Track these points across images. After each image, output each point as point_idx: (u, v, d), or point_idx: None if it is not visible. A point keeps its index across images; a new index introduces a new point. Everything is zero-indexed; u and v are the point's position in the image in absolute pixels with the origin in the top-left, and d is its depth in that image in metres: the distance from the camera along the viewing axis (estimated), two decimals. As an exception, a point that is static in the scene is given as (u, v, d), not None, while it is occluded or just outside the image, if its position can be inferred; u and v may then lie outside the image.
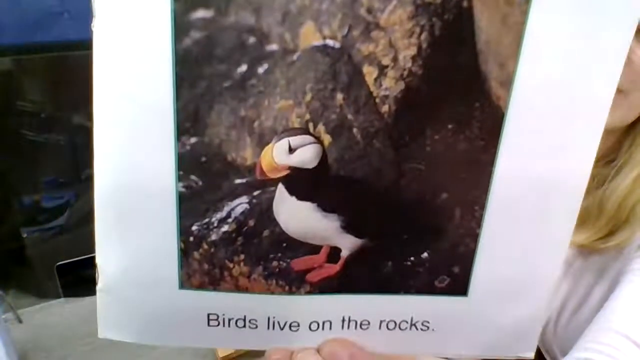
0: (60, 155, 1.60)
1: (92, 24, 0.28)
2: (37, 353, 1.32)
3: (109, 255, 0.31)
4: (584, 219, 0.53)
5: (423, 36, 0.27)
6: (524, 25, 0.27)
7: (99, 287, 0.32)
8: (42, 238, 1.58)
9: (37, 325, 1.43)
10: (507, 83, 0.28)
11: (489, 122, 0.29)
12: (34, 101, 1.58)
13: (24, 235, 1.56)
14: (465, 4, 0.26)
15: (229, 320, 0.33)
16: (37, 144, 1.56)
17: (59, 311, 1.50)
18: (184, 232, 0.30)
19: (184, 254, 0.31)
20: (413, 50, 0.27)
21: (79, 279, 1.57)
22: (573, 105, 0.29)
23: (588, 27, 0.27)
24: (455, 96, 0.28)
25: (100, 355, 1.26)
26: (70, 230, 1.60)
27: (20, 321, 1.41)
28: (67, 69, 1.55)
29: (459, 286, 0.32)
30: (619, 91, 0.49)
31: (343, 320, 0.33)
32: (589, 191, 0.56)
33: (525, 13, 0.26)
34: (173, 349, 1.14)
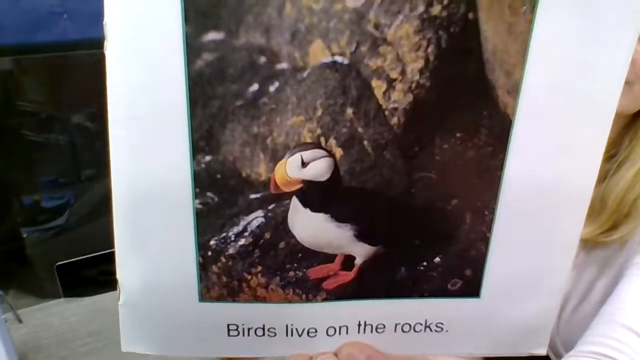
0: (60, 155, 1.61)
1: (104, 48, 0.28)
2: (37, 353, 1.32)
3: (130, 271, 0.32)
4: (587, 213, 0.54)
5: (430, 49, 0.28)
6: (529, 34, 0.27)
7: (120, 302, 0.33)
8: (42, 238, 1.58)
9: (37, 325, 1.43)
10: (514, 91, 0.28)
11: (496, 129, 0.29)
12: (34, 101, 1.58)
13: (24, 235, 1.56)
14: (470, 15, 0.27)
15: (249, 329, 0.34)
16: (37, 144, 1.56)
17: (59, 311, 1.50)
18: (202, 246, 0.31)
19: (203, 267, 0.32)
20: (420, 63, 0.28)
21: (79, 279, 1.57)
22: (579, 109, 0.29)
23: (593, 33, 0.27)
24: (463, 106, 0.29)
25: (100, 355, 1.27)
26: (70, 230, 1.60)
27: (20, 321, 1.42)
28: (67, 69, 1.55)
29: (472, 288, 0.33)
30: (625, 82, 0.50)
31: (359, 325, 0.34)
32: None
33: (530, 22, 0.27)
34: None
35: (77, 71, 1.53)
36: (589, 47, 0.28)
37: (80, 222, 1.61)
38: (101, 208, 1.53)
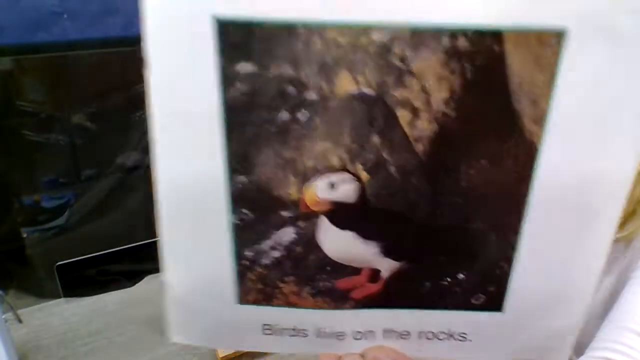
0: (60, 155, 1.60)
1: (145, 74, 0.30)
2: (37, 353, 1.31)
3: (176, 275, 0.35)
4: None
5: (455, 81, 0.29)
6: (557, 64, 0.27)
7: (169, 298, 0.36)
8: (42, 238, 1.57)
9: (37, 325, 1.42)
10: (541, 120, 0.29)
11: (522, 157, 0.30)
12: (34, 101, 1.57)
13: (24, 235, 1.55)
14: (496, 48, 0.27)
15: (282, 329, 0.37)
16: (37, 144, 1.55)
17: (59, 311, 1.48)
18: (239, 257, 0.34)
19: (240, 275, 0.34)
20: (446, 94, 0.29)
21: (79, 279, 1.55)
22: (608, 136, 0.29)
23: (623, 62, 0.27)
24: (489, 135, 0.30)
25: (100, 355, 1.27)
26: (70, 230, 1.59)
27: (20, 321, 1.42)
28: (67, 69, 1.54)
29: (495, 303, 0.35)
30: None
31: (385, 331, 0.36)
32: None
33: (558, 53, 0.27)
34: (173, 349, 1.16)
35: (77, 71, 1.52)
36: (619, 75, 0.27)
37: (80, 222, 1.60)
38: (101, 208, 1.53)
